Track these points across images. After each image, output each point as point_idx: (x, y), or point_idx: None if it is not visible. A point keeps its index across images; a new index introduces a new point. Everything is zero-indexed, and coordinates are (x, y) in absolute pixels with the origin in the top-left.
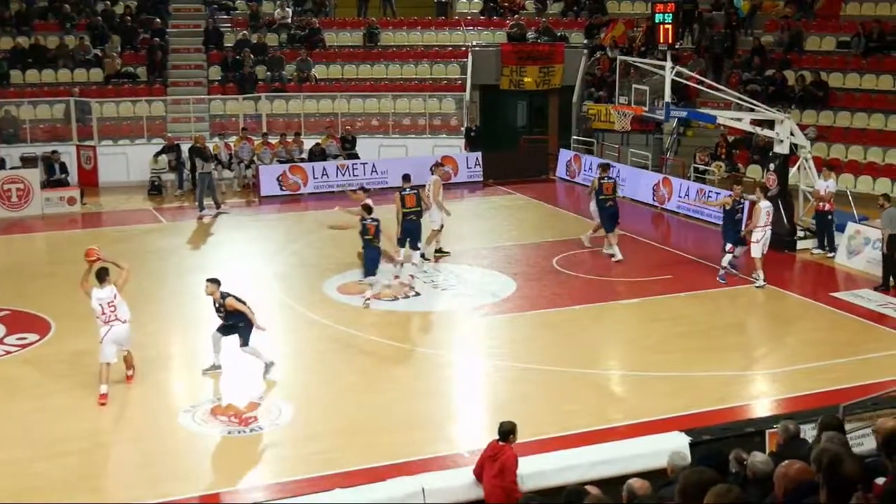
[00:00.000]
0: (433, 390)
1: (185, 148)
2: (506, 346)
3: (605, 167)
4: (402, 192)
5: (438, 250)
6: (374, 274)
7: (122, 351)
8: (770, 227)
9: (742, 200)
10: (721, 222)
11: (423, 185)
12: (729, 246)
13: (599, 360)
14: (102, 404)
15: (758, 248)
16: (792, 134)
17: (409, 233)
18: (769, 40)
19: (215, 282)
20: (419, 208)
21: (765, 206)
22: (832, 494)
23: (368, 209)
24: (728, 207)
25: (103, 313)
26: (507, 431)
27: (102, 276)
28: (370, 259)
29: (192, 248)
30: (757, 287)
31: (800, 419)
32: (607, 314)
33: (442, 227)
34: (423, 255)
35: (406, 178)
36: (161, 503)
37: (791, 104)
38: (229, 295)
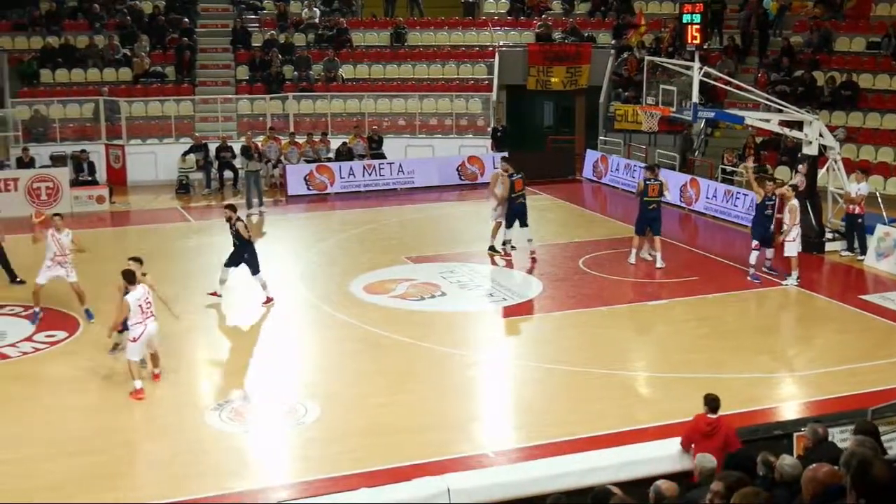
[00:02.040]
0: (459, 390)
1: (212, 147)
2: (532, 347)
3: (651, 169)
4: (511, 177)
5: (492, 248)
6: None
7: (150, 349)
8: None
9: (773, 196)
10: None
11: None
12: (755, 243)
13: (626, 360)
14: (140, 398)
15: (794, 247)
16: (821, 135)
17: (519, 214)
18: (798, 41)
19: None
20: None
21: (796, 204)
22: (860, 498)
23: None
24: (759, 202)
25: (142, 312)
26: (718, 404)
27: (131, 276)
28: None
29: (219, 247)
30: (789, 285)
31: (828, 422)
32: (634, 315)
33: (499, 222)
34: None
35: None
36: (186, 501)
37: (820, 105)
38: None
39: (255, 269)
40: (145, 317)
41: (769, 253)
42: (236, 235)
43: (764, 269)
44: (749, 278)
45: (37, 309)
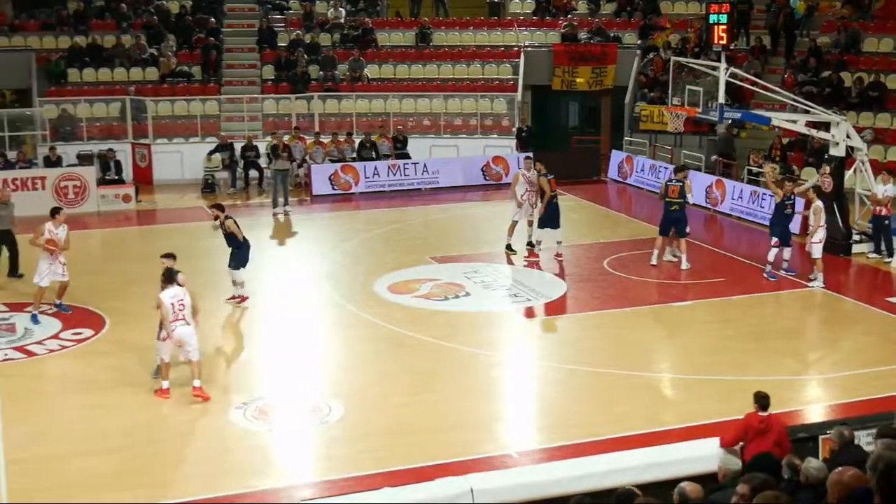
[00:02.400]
0: (482, 390)
1: (238, 147)
2: (555, 347)
3: (678, 169)
4: (548, 177)
5: (508, 246)
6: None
7: (185, 356)
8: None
9: (792, 196)
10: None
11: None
12: (774, 240)
13: (650, 362)
14: (164, 398)
15: (819, 249)
16: (848, 136)
17: (555, 215)
18: (826, 41)
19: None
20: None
21: (820, 205)
22: (886, 502)
23: None
24: (778, 201)
25: (173, 312)
26: (768, 402)
27: (172, 276)
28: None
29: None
30: (814, 287)
31: (854, 425)
32: (658, 316)
33: (516, 221)
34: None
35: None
36: (210, 499)
37: (847, 106)
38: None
39: (236, 265)
40: (175, 318)
41: (787, 253)
42: (227, 236)
43: (781, 270)
44: (765, 276)
45: (36, 312)
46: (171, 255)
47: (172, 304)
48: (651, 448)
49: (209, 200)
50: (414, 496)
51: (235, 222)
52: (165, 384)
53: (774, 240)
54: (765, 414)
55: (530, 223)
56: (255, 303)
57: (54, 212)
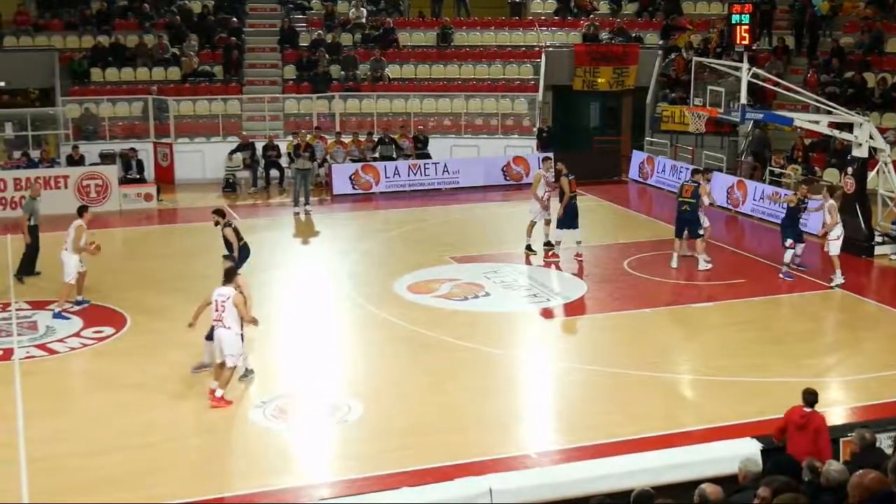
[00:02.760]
0: (501, 390)
1: (259, 146)
2: (575, 348)
3: (695, 171)
4: (570, 177)
5: (528, 247)
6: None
7: (221, 356)
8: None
9: (807, 199)
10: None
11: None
12: (790, 241)
13: (670, 363)
14: (216, 406)
15: (837, 246)
16: (871, 137)
17: (574, 214)
18: (849, 42)
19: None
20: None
21: (833, 203)
22: None
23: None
24: (792, 205)
25: (216, 310)
26: (815, 399)
27: (230, 273)
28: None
29: (264, 246)
30: (834, 286)
31: (875, 428)
32: (678, 317)
33: (534, 222)
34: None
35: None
36: (229, 498)
37: (870, 107)
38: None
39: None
40: (217, 317)
41: (800, 248)
42: (225, 242)
43: (794, 266)
44: (781, 276)
45: (59, 310)
46: (229, 257)
47: (216, 300)
48: (670, 449)
49: (230, 200)
50: (433, 496)
51: (235, 230)
52: (214, 384)
53: (789, 241)
54: (808, 410)
55: (547, 223)
56: (276, 301)
57: (82, 210)
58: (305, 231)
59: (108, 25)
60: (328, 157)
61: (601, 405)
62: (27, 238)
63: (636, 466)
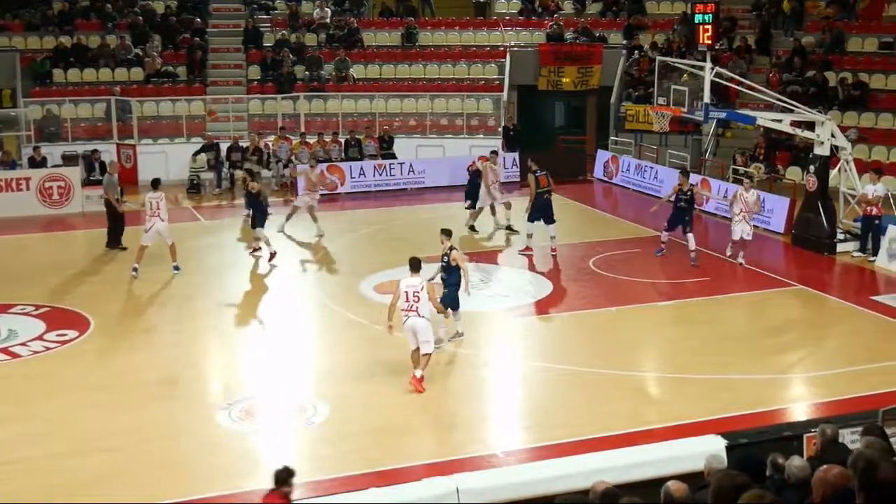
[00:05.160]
0: (468, 390)
1: (223, 147)
2: (541, 347)
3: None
4: (536, 174)
5: (472, 227)
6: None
7: (417, 343)
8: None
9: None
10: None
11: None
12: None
13: (635, 361)
14: (416, 390)
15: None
16: (833, 135)
17: (544, 210)
18: (810, 41)
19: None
20: (549, 188)
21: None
22: (869, 499)
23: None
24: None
25: (406, 301)
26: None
27: (417, 264)
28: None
29: (229, 247)
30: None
31: (839, 424)
32: (644, 316)
33: (481, 208)
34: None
35: (536, 161)
36: (196, 500)
37: (832, 105)
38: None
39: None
40: (409, 307)
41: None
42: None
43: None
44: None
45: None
46: (447, 232)
47: (406, 292)
48: (636, 447)
49: (194, 201)
50: (400, 496)
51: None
52: (418, 373)
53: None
54: None
55: (506, 206)
56: (241, 303)
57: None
58: (270, 232)
59: (70, 26)
60: (293, 157)
61: (567, 404)
62: None
63: (602, 465)
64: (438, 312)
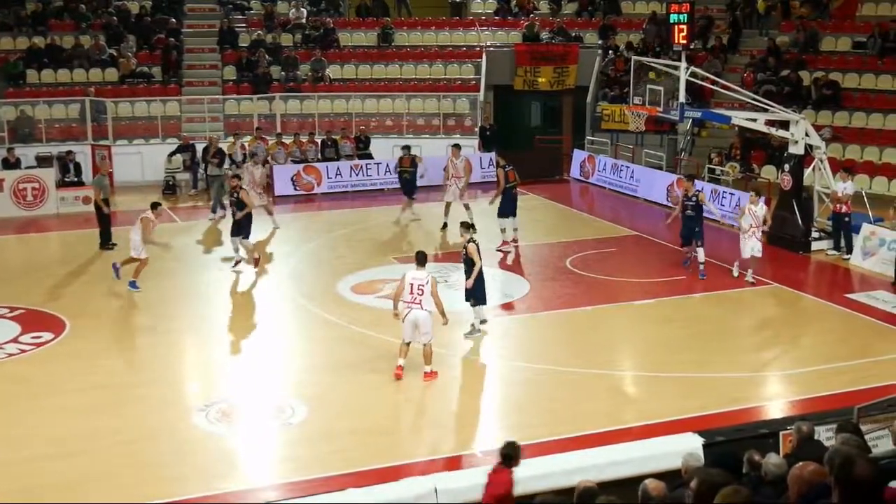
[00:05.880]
0: (446, 390)
1: (199, 148)
2: (518, 346)
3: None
4: (505, 169)
5: (444, 225)
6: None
7: (417, 339)
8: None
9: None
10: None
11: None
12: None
13: (613, 360)
14: (397, 376)
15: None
16: (807, 134)
17: (511, 203)
18: (784, 41)
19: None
20: (517, 182)
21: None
22: (844, 496)
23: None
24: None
25: (410, 293)
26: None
27: (423, 258)
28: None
29: (205, 248)
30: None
31: (814, 421)
32: (621, 315)
33: (449, 203)
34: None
35: (501, 156)
36: (173, 502)
37: (806, 105)
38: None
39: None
40: (412, 300)
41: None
42: (236, 202)
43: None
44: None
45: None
46: (468, 225)
47: (411, 284)
48: (614, 445)
49: (170, 202)
50: (379, 496)
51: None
52: (401, 361)
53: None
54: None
55: (467, 207)
56: (218, 303)
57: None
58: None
59: (43, 26)
60: (269, 158)
61: (545, 403)
62: None
63: (580, 464)
64: (440, 313)
